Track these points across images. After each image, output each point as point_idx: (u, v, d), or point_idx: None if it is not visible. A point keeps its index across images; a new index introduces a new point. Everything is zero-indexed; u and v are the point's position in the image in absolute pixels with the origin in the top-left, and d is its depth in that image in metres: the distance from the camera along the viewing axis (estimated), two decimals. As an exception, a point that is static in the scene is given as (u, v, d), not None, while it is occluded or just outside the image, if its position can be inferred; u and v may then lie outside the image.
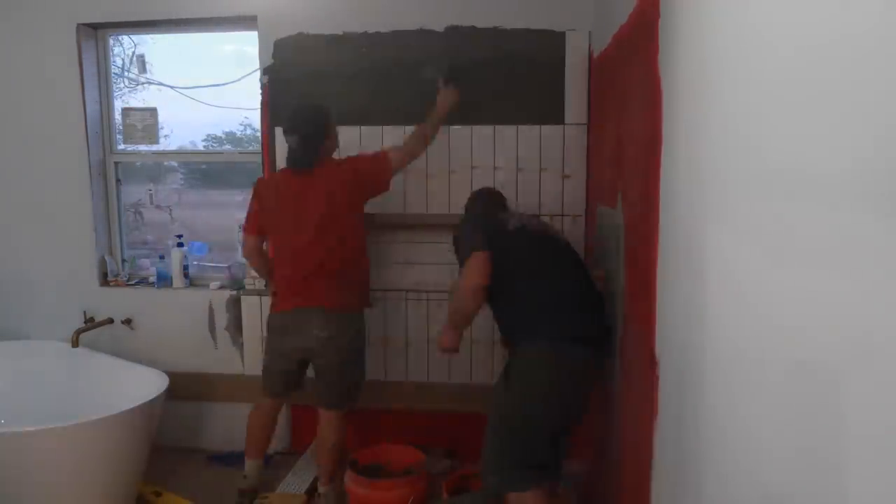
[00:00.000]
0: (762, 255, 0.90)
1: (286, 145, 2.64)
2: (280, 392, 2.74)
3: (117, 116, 3.39)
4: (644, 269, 1.63)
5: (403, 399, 3.12)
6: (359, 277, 2.67)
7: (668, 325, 1.45)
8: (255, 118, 3.18)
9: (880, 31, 0.61)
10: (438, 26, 2.93)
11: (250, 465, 2.73)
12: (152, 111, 3.37)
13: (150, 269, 3.38)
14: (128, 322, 3.28)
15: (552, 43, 2.89)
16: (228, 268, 3.35)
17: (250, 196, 2.73)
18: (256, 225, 2.69)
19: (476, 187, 2.98)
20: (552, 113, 2.92)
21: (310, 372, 2.73)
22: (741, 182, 0.98)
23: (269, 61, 3.05)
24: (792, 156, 0.81)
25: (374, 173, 2.61)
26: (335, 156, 2.73)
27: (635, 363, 1.75)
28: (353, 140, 3.02)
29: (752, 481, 0.92)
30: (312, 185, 2.56)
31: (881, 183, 0.60)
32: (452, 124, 2.96)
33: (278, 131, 3.08)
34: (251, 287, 3.22)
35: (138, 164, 3.44)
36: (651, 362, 1.56)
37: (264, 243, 2.75)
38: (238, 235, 3.31)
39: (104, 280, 3.35)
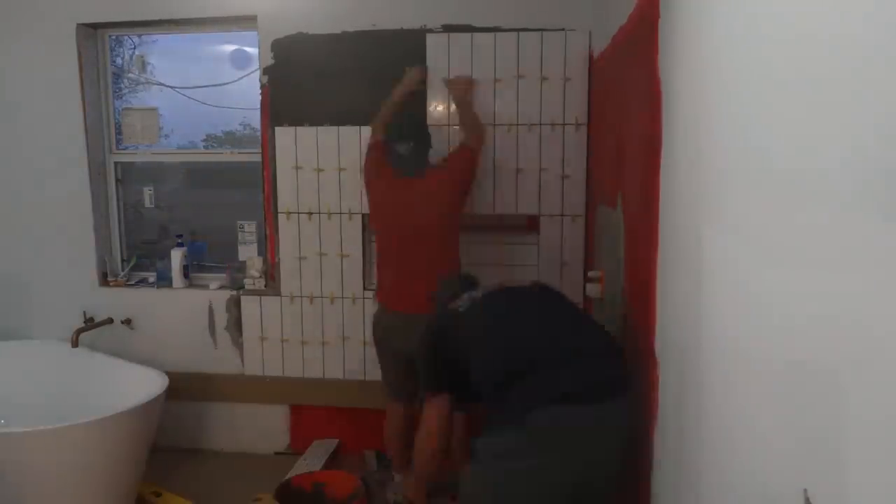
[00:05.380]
0: (762, 254, 0.90)
1: (396, 152, 2.61)
2: (400, 395, 2.71)
3: (117, 116, 3.39)
4: (644, 269, 1.63)
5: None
6: None
7: (668, 325, 1.45)
8: (255, 118, 3.18)
9: (880, 30, 0.61)
10: (438, 26, 2.94)
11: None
12: (152, 111, 3.37)
13: (149, 269, 3.38)
14: (127, 322, 3.28)
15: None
16: (228, 268, 3.35)
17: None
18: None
19: (476, 187, 2.99)
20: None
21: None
22: (741, 182, 0.98)
23: (270, 61, 3.05)
24: (792, 156, 0.81)
25: (467, 171, 2.67)
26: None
27: (635, 363, 1.75)
28: (353, 140, 3.02)
29: (752, 481, 0.92)
30: (421, 190, 2.59)
31: (881, 183, 0.60)
32: (453, 125, 2.96)
33: (279, 131, 3.08)
34: (251, 287, 3.22)
35: (138, 163, 3.44)
36: (651, 362, 1.56)
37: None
38: (240, 235, 3.32)
39: (104, 280, 3.35)
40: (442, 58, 2.94)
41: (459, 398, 2.10)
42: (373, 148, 2.75)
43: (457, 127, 2.97)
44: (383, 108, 2.79)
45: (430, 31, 2.94)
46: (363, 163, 2.81)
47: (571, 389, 1.64)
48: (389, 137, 2.65)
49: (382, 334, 2.70)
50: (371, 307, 3.10)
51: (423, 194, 2.59)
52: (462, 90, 2.87)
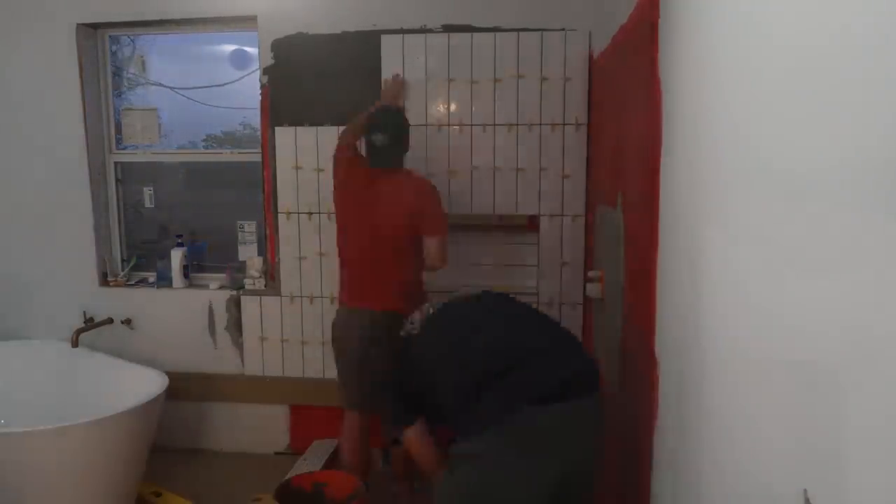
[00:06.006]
0: (762, 254, 0.90)
1: (372, 144, 2.56)
2: (354, 403, 2.68)
3: (117, 116, 3.39)
4: (644, 269, 1.63)
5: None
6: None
7: (668, 325, 1.45)
8: (255, 118, 3.18)
9: (880, 30, 0.61)
10: (438, 26, 2.94)
11: None
12: (152, 111, 3.37)
13: (149, 269, 3.38)
14: (127, 322, 3.28)
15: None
16: (228, 268, 3.35)
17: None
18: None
19: (476, 187, 2.99)
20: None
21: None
22: (741, 182, 0.98)
23: (270, 61, 3.05)
24: (792, 156, 0.81)
25: (426, 228, 2.53)
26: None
27: (635, 363, 1.75)
28: (353, 140, 3.02)
29: (753, 481, 0.92)
30: (386, 188, 2.56)
31: (881, 183, 0.60)
32: (452, 125, 2.97)
33: (279, 131, 3.08)
34: (251, 287, 3.22)
35: (138, 163, 3.44)
36: (651, 362, 1.56)
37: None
38: (240, 235, 3.32)
39: (104, 280, 3.35)
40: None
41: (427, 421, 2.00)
42: (340, 149, 2.72)
43: (457, 127, 2.97)
44: (358, 118, 2.73)
45: (431, 31, 2.94)
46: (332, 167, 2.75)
47: (545, 388, 1.63)
48: (367, 130, 2.60)
49: (339, 333, 2.64)
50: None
51: (386, 193, 2.54)
52: (392, 96, 2.86)
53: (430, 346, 1.91)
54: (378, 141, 2.55)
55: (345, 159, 2.70)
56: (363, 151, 2.65)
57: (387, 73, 2.98)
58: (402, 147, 2.63)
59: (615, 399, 2.06)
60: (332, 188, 2.73)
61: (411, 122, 2.98)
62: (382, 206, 2.54)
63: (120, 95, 3.43)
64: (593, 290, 2.43)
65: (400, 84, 2.95)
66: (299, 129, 3.07)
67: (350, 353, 2.58)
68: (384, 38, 2.97)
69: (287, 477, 2.59)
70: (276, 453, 3.23)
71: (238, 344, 3.24)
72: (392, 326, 2.28)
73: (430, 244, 2.53)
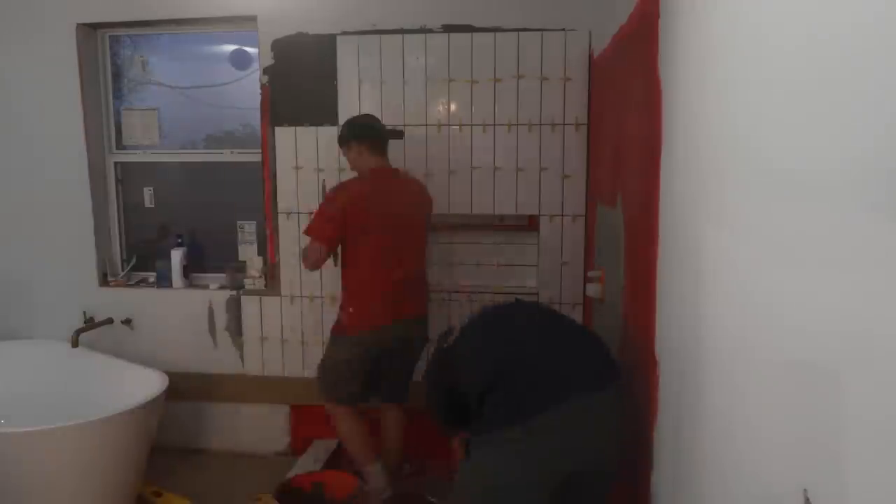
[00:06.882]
0: (762, 254, 0.90)
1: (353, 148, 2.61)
2: (343, 400, 2.69)
3: (117, 117, 3.39)
4: (644, 269, 1.63)
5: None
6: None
7: (668, 324, 1.45)
8: (255, 118, 3.17)
9: (881, 29, 0.61)
10: (438, 26, 2.94)
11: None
12: (152, 111, 3.37)
13: (149, 269, 3.38)
14: (127, 322, 3.28)
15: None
16: (228, 268, 3.35)
17: (332, 200, 2.55)
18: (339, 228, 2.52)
19: (476, 187, 2.99)
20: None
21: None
22: (741, 182, 0.98)
23: (270, 61, 3.05)
24: (792, 156, 0.81)
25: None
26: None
27: (635, 363, 1.75)
28: (353, 140, 3.02)
29: (752, 481, 0.92)
30: (404, 190, 2.66)
31: (881, 183, 0.60)
32: (452, 125, 2.97)
33: (279, 131, 3.08)
34: (251, 287, 3.22)
35: (138, 163, 3.44)
36: (651, 362, 1.56)
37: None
38: (240, 235, 3.32)
39: (104, 280, 3.35)
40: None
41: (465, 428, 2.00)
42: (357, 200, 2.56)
43: (457, 127, 2.97)
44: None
45: (430, 31, 2.94)
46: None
47: (568, 382, 1.66)
48: (363, 133, 2.59)
49: (394, 344, 2.66)
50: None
51: (409, 194, 2.68)
52: None
53: (465, 351, 1.90)
54: (382, 130, 2.62)
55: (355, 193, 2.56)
56: (364, 160, 2.59)
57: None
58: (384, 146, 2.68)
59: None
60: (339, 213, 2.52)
61: (411, 122, 3.01)
62: (407, 207, 2.65)
63: (120, 96, 3.43)
64: (593, 290, 2.43)
65: None
66: (299, 129, 3.07)
67: (405, 361, 2.73)
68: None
69: (287, 477, 2.59)
70: (276, 453, 3.23)
71: (238, 344, 3.24)
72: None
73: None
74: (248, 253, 3.30)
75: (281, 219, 3.13)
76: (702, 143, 1.19)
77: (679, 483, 1.34)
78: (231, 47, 3.34)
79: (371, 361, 2.63)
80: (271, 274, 3.21)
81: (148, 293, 3.31)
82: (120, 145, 3.41)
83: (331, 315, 3.14)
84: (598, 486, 1.75)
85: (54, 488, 2.48)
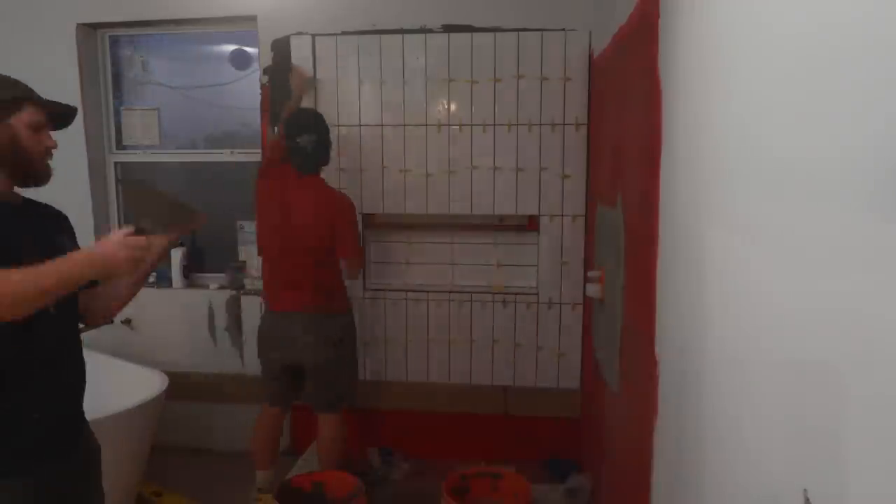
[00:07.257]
0: (762, 255, 0.90)
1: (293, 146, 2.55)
2: (277, 402, 2.77)
3: (117, 117, 3.39)
4: (644, 269, 1.63)
5: (405, 399, 3.12)
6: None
7: (668, 325, 1.45)
8: (255, 118, 3.17)
9: (881, 29, 0.61)
10: (438, 26, 2.94)
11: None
12: (152, 111, 3.36)
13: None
14: (127, 322, 3.28)
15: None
16: (228, 268, 3.34)
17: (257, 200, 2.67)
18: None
19: (476, 187, 2.99)
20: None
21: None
22: (741, 182, 0.98)
23: (270, 61, 3.05)
24: (792, 156, 0.81)
25: (340, 250, 2.58)
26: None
27: (635, 363, 1.75)
28: (353, 139, 3.02)
29: (752, 481, 0.92)
30: (306, 193, 2.54)
31: (882, 183, 0.60)
32: (452, 125, 2.97)
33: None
34: (251, 287, 3.22)
35: (138, 163, 3.43)
36: (651, 362, 1.56)
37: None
38: (240, 235, 3.32)
39: (104, 280, 3.34)
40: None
41: None
42: (272, 160, 2.70)
43: (456, 127, 2.97)
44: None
45: (430, 31, 2.94)
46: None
47: None
48: (291, 132, 2.55)
49: (279, 333, 2.63)
50: (371, 306, 3.11)
51: (306, 197, 2.53)
52: (297, 90, 2.88)
53: None
54: (306, 142, 2.53)
55: (270, 170, 2.66)
56: (287, 158, 2.59)
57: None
58: (328, 149, 2.62)
59: (615, 399, 2.07)
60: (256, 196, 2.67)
61: (411, 122, 2.99)
62: (304, 217, 2.52)
63: (120, 96, 3.42)
64: (593, 290, 2.43)
65: (300, 76, 2.92)
66: (299, 129, 3.06)
67: (281, 359, 2.64)
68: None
69: (287, 477, 2.59)
70: (276, 453, 3.23)
71: (238, 344, 3.24)
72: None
73: (343, 263, 2.62)
74: (248, 253, 3.30)
75: (281, 219, 3.12)
76: (702, 142, 1.19)
77: (679, 483, 1.34)
78: (231, 47, 3.34)
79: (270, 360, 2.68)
80: (271, 274, 3.20)
81: (148, 293, 3.28)
82: (120, 145, 3.41)
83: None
84: None
85: (54, 488, 2.48)
